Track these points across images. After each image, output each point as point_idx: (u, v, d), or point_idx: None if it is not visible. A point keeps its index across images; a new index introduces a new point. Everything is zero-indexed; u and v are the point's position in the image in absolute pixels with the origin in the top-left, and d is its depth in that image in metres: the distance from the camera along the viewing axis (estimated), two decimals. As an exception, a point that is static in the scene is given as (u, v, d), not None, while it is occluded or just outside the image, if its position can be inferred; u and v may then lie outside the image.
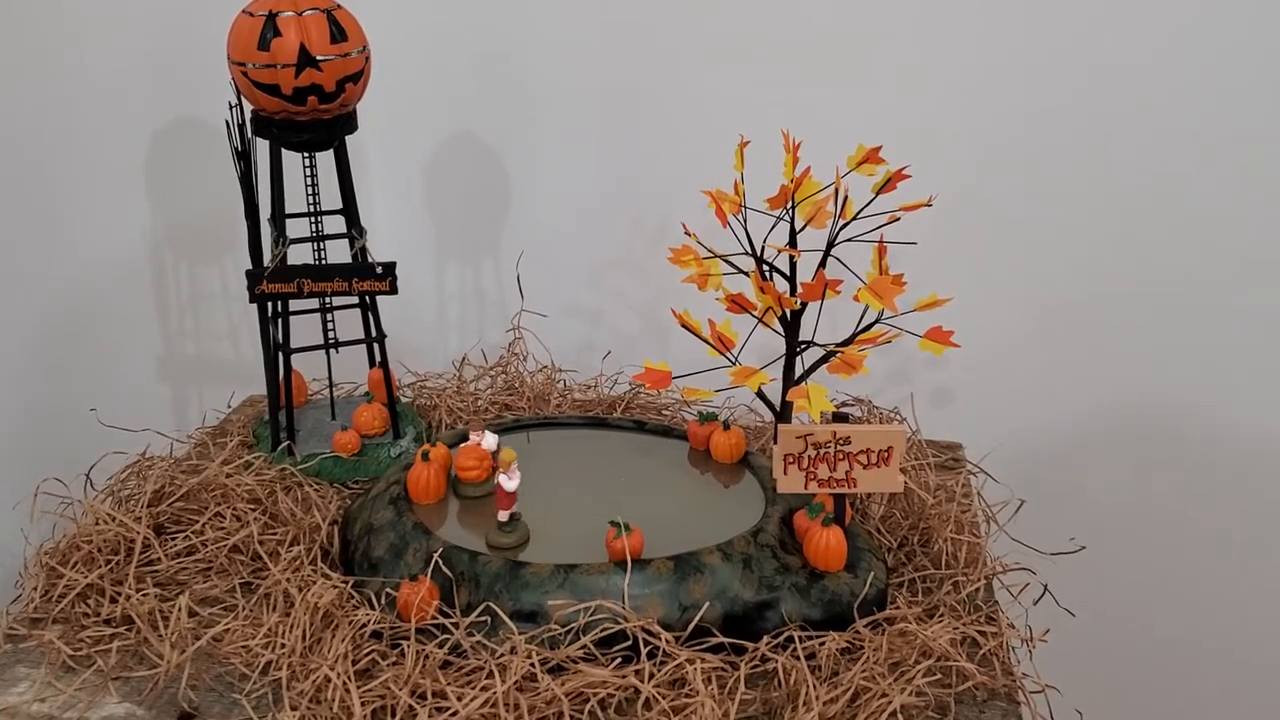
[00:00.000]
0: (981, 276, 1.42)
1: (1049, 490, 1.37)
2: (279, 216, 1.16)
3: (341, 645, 0.90)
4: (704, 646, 0.92)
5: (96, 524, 1.05)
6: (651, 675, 0.88)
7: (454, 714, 0.84)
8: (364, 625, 0.93)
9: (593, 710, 0.87)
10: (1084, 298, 1.41)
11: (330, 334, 1.26)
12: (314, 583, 0.98)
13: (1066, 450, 1.49)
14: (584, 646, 0.90)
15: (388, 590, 0.97)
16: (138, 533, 1.04)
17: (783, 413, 1.09)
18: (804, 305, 1.05)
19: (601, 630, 0.91)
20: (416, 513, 1.04)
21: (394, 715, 0.86)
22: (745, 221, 1.07)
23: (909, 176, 1.04)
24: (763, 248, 1.07)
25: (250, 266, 1.18)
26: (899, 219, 1.03)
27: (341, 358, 1.29)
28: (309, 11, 1.08)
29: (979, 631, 0.97)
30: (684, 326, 1.07)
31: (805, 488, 0.98)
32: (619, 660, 0.91)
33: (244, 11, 1.10)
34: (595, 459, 1.14)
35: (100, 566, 1.02)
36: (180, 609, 0.95)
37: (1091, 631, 1.24)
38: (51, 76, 1.26)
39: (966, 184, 1.36)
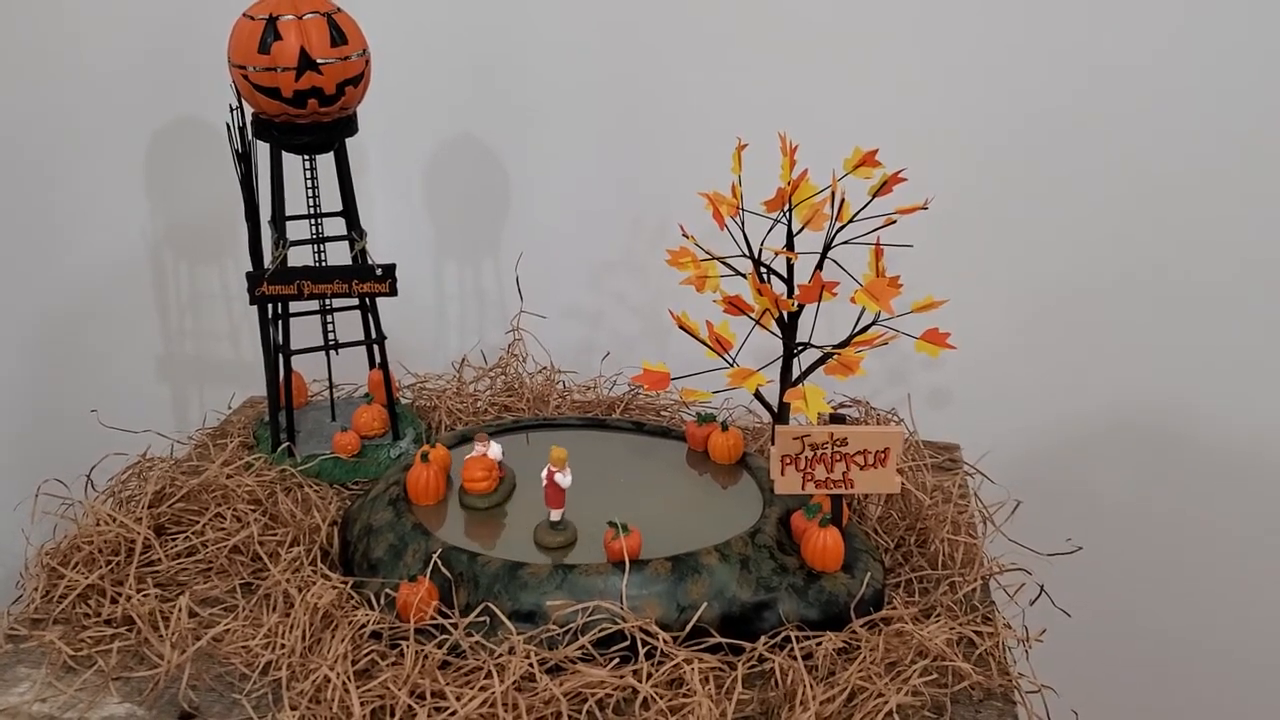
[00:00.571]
0: (979, 278, 1.42)
1: (1046, 491, 1.37)
2: (279, 218, 1.17)
3: (341, 645, 0.91)
4: (702, 646, 0.93)
5: (97, 525, 1.06)
6: (649, 675, 0.89)
7: (453, 714, 0.84)
8: (363, 626, 0.94)
9: (591, 710, 0.87)
10: (1081, 299, 1.42)
11: (330, 335, 1.26)
12: (314, 583, 0.98)
13: (1063, 451, 1.49)
14: (582, 647, 0.91)
15: (387, 591, 0.97)
16: (138, 533, 1.04)
17: (780, 414, 1.09)
18: (801, 307, 1.06)
19: (600, 630, 0.91)
20: (416, 514, 1.05)
21: (393, 715, 0.86)
22: (743, 224, 1.08)
23: (905, 180, 1.04)
24: (760, 250, 1.07)
25: (250, 268, 1.18)
26: (895, 221, 1.04)
27: (341, 359, 1.29)
28: (309, 15, 1.09)
29: (975, 632, 0.97)
30: (682, 328, 1.08)
31: (803, 488, 0.98)
32: (617, 660, 0.91)
33: (244, 15, 1.10)
34: (594, 460, 1.14)
35: (101, 567, 1.03)
36: (181, 609, 0.95)
37: (1088, 632, 1.25)
38: (53, 78, 1.26)
39: (964, 185, 1.37)
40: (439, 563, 0.97)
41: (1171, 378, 1.43)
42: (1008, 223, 1.41)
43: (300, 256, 1.19)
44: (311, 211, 1.21)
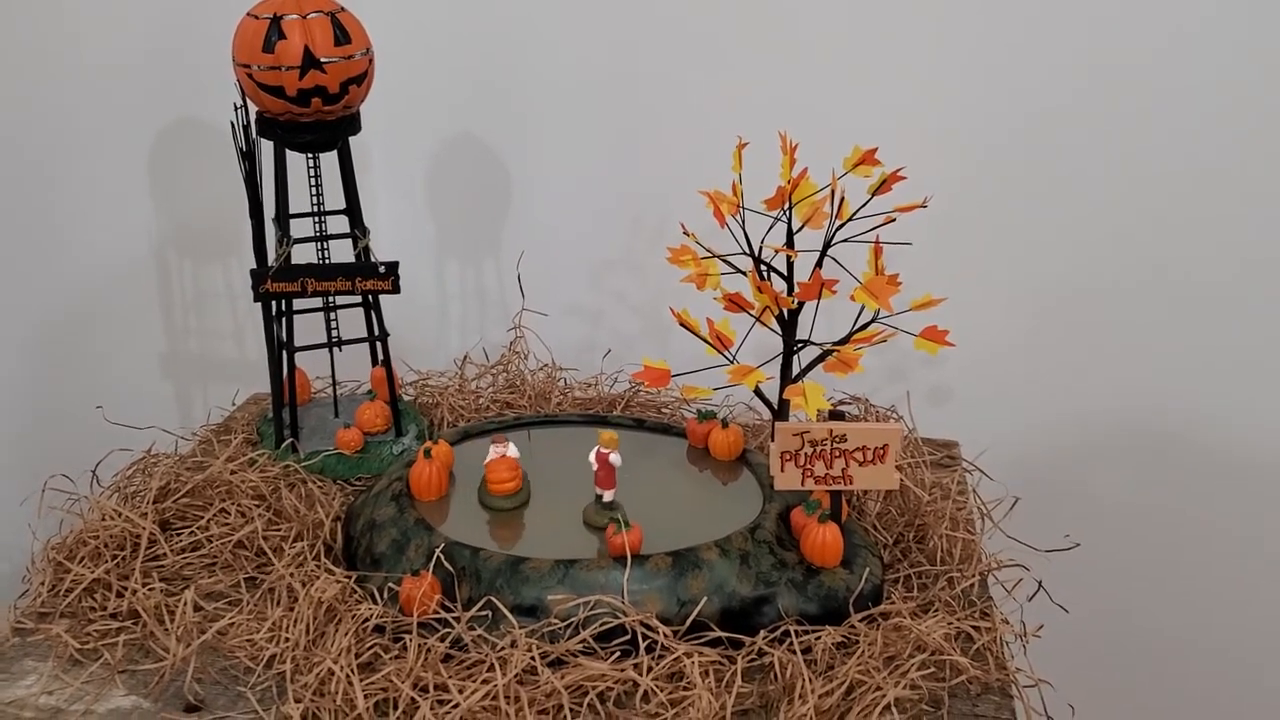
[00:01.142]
0: (979, 277, 1.43)
1: (1044, 488, 1.38)
2: (283, 216, 1.17)
3: (344, 639, 0.91)
4: (702, 641, 0.94)
5: (103, 520, 1.07)
6: (650, 669, 0.90)
7: (455, 706, 0.85)
8: (367, 619, 0.95)
9: (591, 703, 0.88)
10: (1081, 298, 1.42)
11: (333, 333, 1.27)
12: (317, 578, 0.99)
13: (1062, 449, 1.50)
14: (583, 640, 0.92)
15: (390, 585, 0.98)
16: (144, 528, 1.05)
17: (780, 411, 1.10)
18: (801, 305, 1.06)
19: (601, 624, 0.92)
20: (418, 509, 1.06)
21: (396, 708, 0.87)
22: (743, 222, 1.08)
23: (904, 178, 1.05)
24: (760, 248, 1.08)
25: (254, 266, 1.19)
26: (894, 220, 1.05)
27: (344, 356, 1.30)
28: (313, 14, 1.09)
29: (973, 627, 0.98)
30: (682, 325, 1.09)
31: (802, 484, 0.99)
32: (618, 654, 0.92)
33: (249, 14, 1.11)
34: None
35: (107, 562, 1.04)
36: (185, 603, 0.96)
37: (1086, 628, 1.25)
38: (56, 78, 1.27)
39: (964, 184, 1.37)
40: (441, 557, 0.97)
41: (1170, 377, 1.43)
42: (1008, 222, 1.41)
43: (304, 254, 1.20)
44: (315, 209, 1.21)
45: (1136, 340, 1.43)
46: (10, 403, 1.26)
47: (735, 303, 1.07)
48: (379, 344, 1.27)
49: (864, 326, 1.06)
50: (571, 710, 0.87)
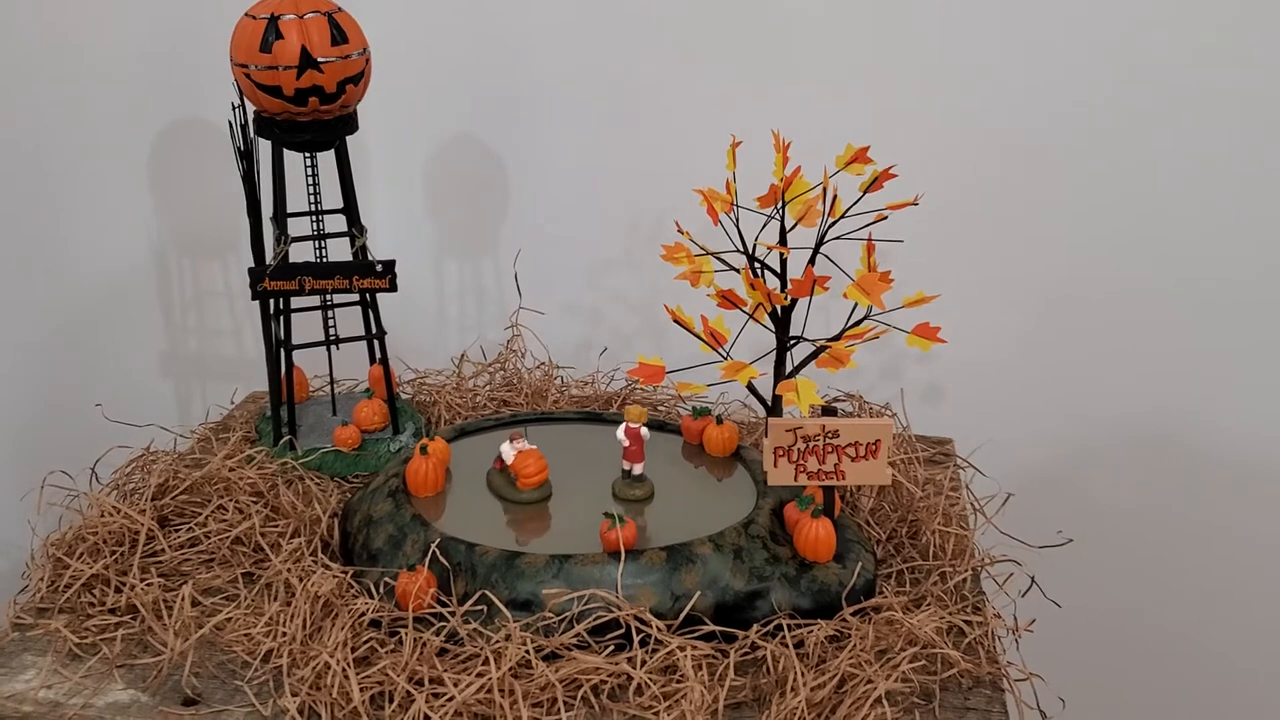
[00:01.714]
0: (974, 274, 1.43)
1: (1038, 484, 1.39)
2: (281, 215, 1.18)
3: (341, 633, 0.92)
4: (695, 634, 0.94)
5: (102, 516, 1.07)
6: (643, 662, 0.90)
7: (450, 699, 0.86)
8: (363, 614, 0.95)
9: (585, 696, 0.89)
10: (1076, 298, 1.43)
11: (331, 331, 1.28)
12: (314, 573, 1.00)
13: (1056, 445, 1.50)
14: (578, 634, 0.92)
15: (386, 580, 0.99)
16: (142, 524, 1.06)
17: (773, 407, 1.11)
18: (794, 301, 1.07)
19: (595, 619, 0.93)
20: (415, 505, 1.06)
21: (392, 701, 0.88)
22: (737, 220, 1.09)
23: (896, 175, 1.05)
24: (754, 245, 1.09)
25: (252, 264, 1.20)
26: (886, 217, 1.05)
27: (342, 354, 1.31)
28: (310, 14, 1.10)
29: (965, 621, 0.98)
30: (676, 322, 1.09)
31: (795, 480, 1.00)
32: (612, 648, 0.93)
33: (246, 14, 1.12)
34: (591, 453, 1.16)
35: (105, 557, 1.04)
36: (183, 598, 0.97)
37: (1078, 623, 1.26)
38: (56, 78, 1.28)
39: (961, 183, 1.38)
40: (437, 552, 0.98)
41: (1164, 375, 1.44)
42: (1003, 219, 1.42)
43: (301, 253, 1.20)
44: (312, 208, 1.22)
45: (1131, 338, 1.43)
46: (10, 399, 1.27)
47: (729, 299, 1.08)
48: (376, 342, 1.27)
49: (857, 323, 1.06)
50: (565, 703, 0.88)
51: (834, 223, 1.06)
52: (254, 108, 1.15)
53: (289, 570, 1.01)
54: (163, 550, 1.07)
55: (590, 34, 1.45)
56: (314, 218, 1.22)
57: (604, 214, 1.52)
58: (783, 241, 1.08)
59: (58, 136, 1.29)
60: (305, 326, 1.26)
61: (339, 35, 1.11)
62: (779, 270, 1.09)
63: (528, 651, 0.90)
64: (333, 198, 1.21)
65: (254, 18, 1.11)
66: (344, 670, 0.89)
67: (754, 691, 0.91)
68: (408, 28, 1.47)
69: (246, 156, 1.18)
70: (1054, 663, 0.99)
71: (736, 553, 0.98)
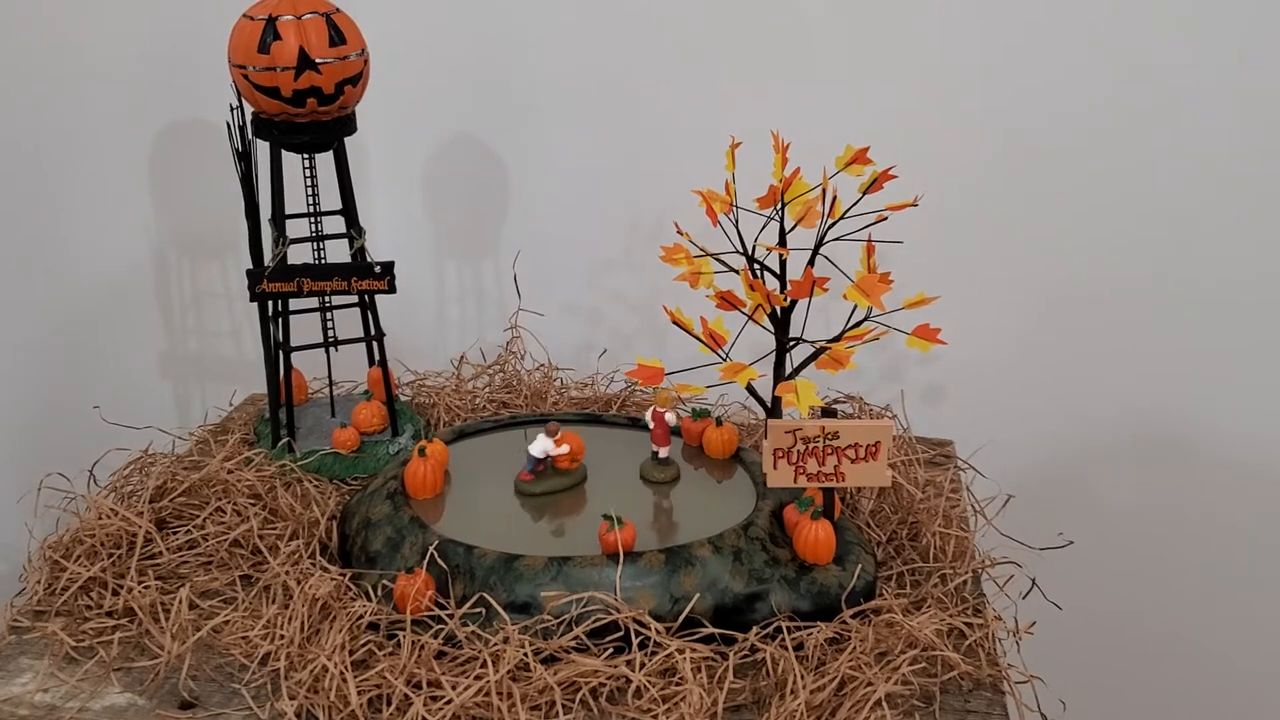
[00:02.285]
0: (975, 275, 1.43)
1: (1039, 486, 1.38)
2: (279, 217, 1.18)
3: (339, 636, 0.92)
4: (695, 637, 0.94)
5: (99, 518, 1.07)
6: (642, 665, 0.90)
7: (448, 703, 0.86)
8: (361, 617, 0.95)
9: (584, 699, 0.89)
10: (1077, 298, 1.43)
11: (330, 333, 1.28)
12: (312, 575, 0.99)
13: (1057, 447, 1.50)
14: (576, 637, 0.92)
15: (384, 582, 0.99)
16: (140, 527, 1.06)
17: (773, 408, 1.11)
18: (793, 303, 1.07)
19: (594, 621, 0.93)
20: (413, 507, 1.06)
21: (390, 704, 0.87)
22: (736, 221, 1.09)
23: (895, 176, 1.05)
24: (753, 246, 1.08)
25: (251, 266, 1.20)
26: (886, 218, 1.05)
27: (341, 356, 1.31)
28: (308, 15, 1.10)
29: (965, 623, 0.98)
30: (675, 323, 1.09)
31: (795, 482, 1.00)
32: (610, 650, 0.92)
33: (244, 15, 1.11)
34: (590, 454, 1.15)
35: (103, 560, 1.04)
36: (181, 601, 0.97)
37: (1079, 625, 1.26)
38: (55, 79, 1.28)
39: (962, 185, 1.38)
40: (435, 555, 0.98)
41: (1165, 376, 1.44)
42: (1003, 221, 1.42)
43: (300, 254, 1.20)
44: (311, 210, 1.22)
45: (1131, 339, 1.43)
46: (8, 401, 1.26)
47: (728, 301, 1.08)
48: (375, 344, 1.27)
49: (856, 325, 1.06)
50: (564, 706, 0.87)
51: (833, 224, 1.06)
52: (252, 109, 1.15)
53: (287, 573, 1.01)
54: (160, 553, 1.06)
55: (590, 35, 1.45)
56: (312, 219, 1.22)
57: (603, 215, 1.51)
58: (782, 243, 1.07)
59: (57, 137, 1.29)
60: (304, 328, 1.25)
61: (337, 36, 1.11)
62: (778, 271, 1.09)
63: (526, 654, 0.89)
64: (331, 199, 1.21)
65: (252, 19, 1.10)
66: (342, 673, 0.88)
67: (753, 694, 0.91)
68: (406, 28, 1.47)
69: (245, 158, 1.18)
70: (1055, 665, 0.99)
71: (736, 555, 0.98)
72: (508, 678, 0.88)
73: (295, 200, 1.19)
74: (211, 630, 0.96)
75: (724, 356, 1.07)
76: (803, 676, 0.88)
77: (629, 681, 0.89)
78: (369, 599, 0.98)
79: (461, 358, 1.44)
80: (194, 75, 1.32)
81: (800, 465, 0.99)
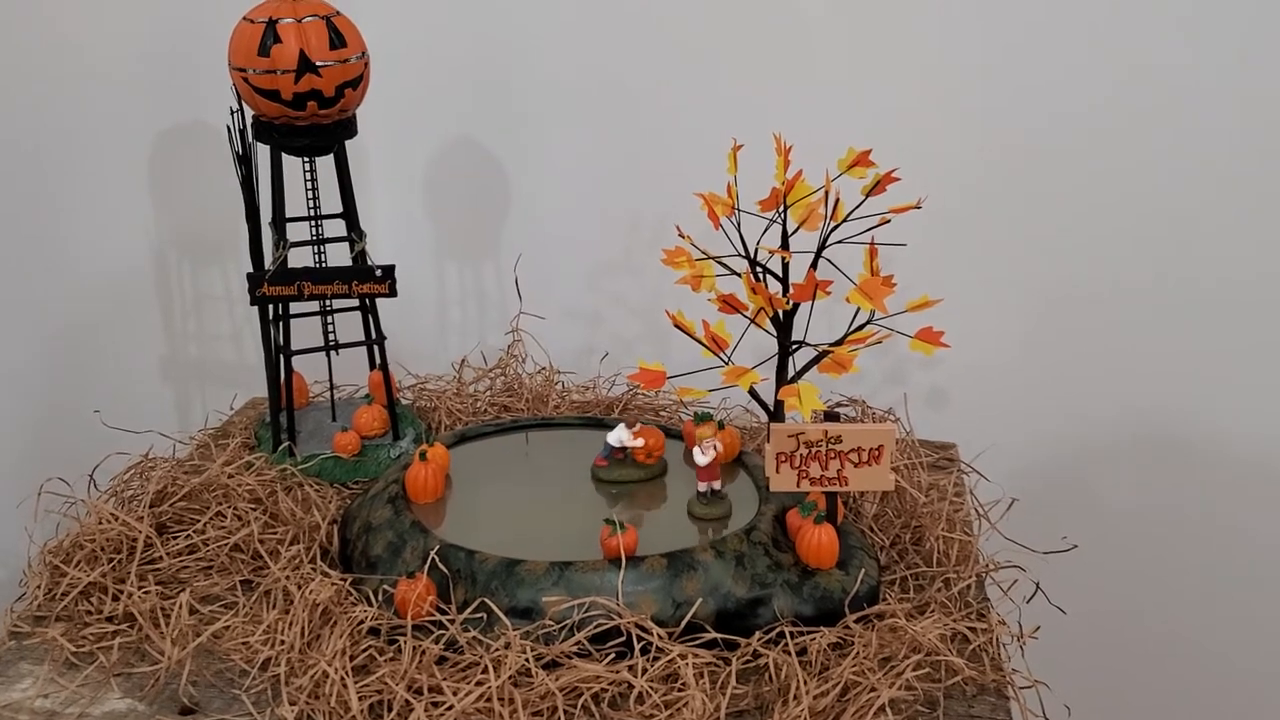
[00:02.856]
0: (978, 278, 1.43)
1: (1043, 490, 1.38)
2: (279, 220, 1.18)
3: (340, 641, 0.91)
4: (697, 642, 0.94)
5: (99, 523, 1.07)
6: (644, 670, 0.90)
7: (449, 708, 0.85)
8: (362, 622, 0.95)
9: (586, 704, 0.88)
10: (1080, 301, 1.42)
11: (331, 336, 1.27)
12: (313, 580, 0.99)
13: (1061, 451, 1.50)
14: (578, 642, 0.92)
15: (385, 587, 0.98)
16: (140, 532, 1.05)
17: (775, 412, 1.10)
18: (796, 306, 1.06)
19: (595, 626, 0.92)
20: (414, 511, 1.06)
21: (391, 710, 0.87)
22: (739, 224, 1.08)
23: (898, 179, 1.05)
24: (755, 249, 1.08)
25: (251, 269, 1.19)
26: (889, 221, 1.04)
27: (342, 360, 1.30)
28: (309, 18, 1.10)
29: (969, 628, 0.98)
30: (677, 327, 1.09)
31: (798, 486, 0.99)
32: (612, 656, 0.92)
33: (245, 18, 1.11)
34: (592, 459, 1.15)
35: (103, 565, 1.04)
36: (181, 606, 0.96)
37: (1084, 629, 1.25)
38: (55, 82, 1.27)
39: (964, 187, 1.38)
40: (436, 559, 0.97)
41: (1169, 379, 1.43)
42: (1007, 223, 1.41)
43: (300, 258, 1.20)
44: (311, 213, 1.22)
45: (1135, 342, 1.42)
46: (8, 405, 1.26)
47: (730, 304, 1.07)
48: (376, 347, 1.27)
49: (859, 328, 1.06)
50: (565, 712, 0.87)
51: (836, 227, 1.06)
52: (252, 112, 1.15)
53: (288, 578, 1.01)
54: (161, 558, 1.06)
55: (590, 36, 1.44)
56: (313, 223, 1.22)
57: (604, 218, 1.51)
58: (784, 246, 1.07)
59: (57, 139, 1.29)
60: (305, 331, 1.25)
61: (337, 39, 1.11)
62: (781, 275, 1.08)
63: (528, 660, 0.89)
64: (332, 202, 1.21)
65: (252, 21, 1.10)
66: (342, 679, 0.88)
67: (756, 700, 0.91)
68: (407, 31, 1.47)
69: (245, 161, 1.18)
70: (1059, 669, 0.98)
71: (738, 559, 0.98)
72: (509, 683, 0.87)
73: (296, 203, 1.19)
74: (212, 635, 0.96)
75: (726, 360, 1.07)
76: (806, 682, 0.88)
77: (631, 687, 0.89)
78: (370, 604, 0.97)
79: (463, 361, 1.43)
80: (194, 78, 1.32)
81: (803, 469, 0.98)
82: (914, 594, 1.03)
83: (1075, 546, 1.15)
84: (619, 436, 1.11)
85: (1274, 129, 1.31)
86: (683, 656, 0.90)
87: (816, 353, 1.06)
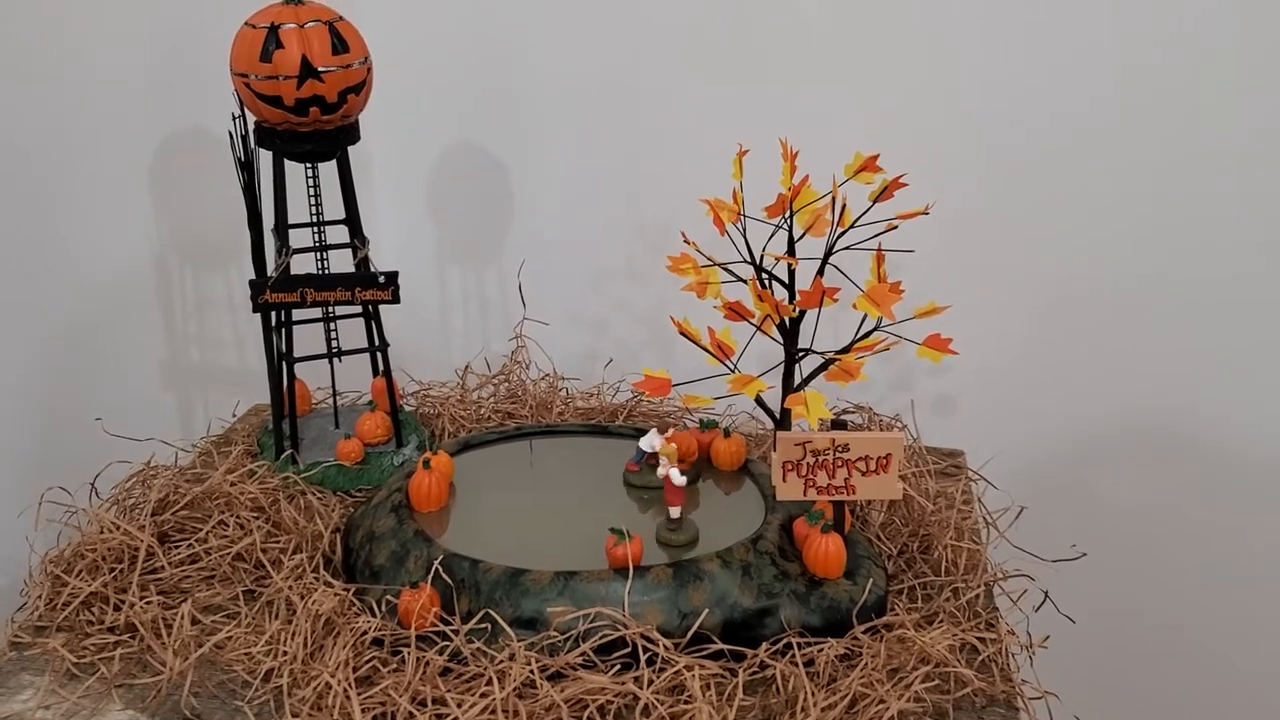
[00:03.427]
0: (985, 284, 1.42)
1: (1051, 497, 1.37)
2: (282, 226, 1.17)
3: (343, 652, 0.91)
4: (703, 653, 0.93)
5: (101, 532, 1.06)
6: (650, 682, 0.89)
7: (453, 720, 0.85)
8: (365, 632, 0.94)
9: (591, 716, 0.87)
10: (1087, 305, 1.42)
11: (333, 343, 1.27)
12: (316, 590, 0.98)
13: (1069, 457, 1.49)
14: (583, 653, 0.91)
15: (389, 597, 0.98)
16: (141, 541, 1.05)
17: (782, 420, 1.09)
18: (802, 313, 1.06)
19: (601, 637, 0.91)
20: (418, 520, 1.05)
21: (394, 722, 0.86)
22: (744, 230, 1.08)
23: (905, 185, 1.04)
24: (761, 256, 1.07)
25: (254, 276, 1.19)
26: (897, 227, 1.04)
27: (345, 367, 1.30)
28: (311, 23, 1.09)
29: (978, 638, 0.97)
30: (683, 334, 1.08)
31: (804, 495, 0.98)
32: (618, 667, 0.91)
33: (246, 23, 1.11)
34: (597, 466, 1.14)
35: (104, 574, 1.03)
36: (183, 617, 0.96)
37: (1093, 638, 1.24)
38: (57, 88, 1.27)
39: (970, 192, 1.37)
40: (440, 569, 0.97)
41: (1177, 384, 1.42)
42: (1014, 229, 1.40)
43: (303, 264, 1.19)
44: (314, 219, 1.21)
45: (1145, 348, 1.42)
46: (9, 412, 1.26)
47: (736, 311, 1.07)
48: (379, 354, 1.26)
49: (866, 335, 1.05)
50: (571, 724, 0.86)
51: (843, 233, 1.05)
52: (254, 118, 1.14)
53: (290, 588, 1.00)
54: (162, 567, 1.05)
55: (594, 42, 1.44)
56: (315, 229, 1.21)
57: (609, 223, 1.50)
58: (791, 252, 1.06)
59: (59, 147, 1.28)
60: (307, 338, 1.24)
61: (340, 44, 1.10)
62: (787, 281, 1.08)
63: (532, 671, 0.88)
64: (335, 208, 1.20)
65: (254, 27, 1.09)
66: (345, 690, 0.87)
67: (763, 712, 0.90)
68: (410, 36, 1.46)
69: (247, 168, 1.17)
70: (1070, 680, 0.97)
71: (745, 569, 0.97)
72: (514, 695, 0.86)
73: (298, 209, 1.18)
74: (214, 646, 0.95)
75: (732, 368, 1.06)
76: (813, 694, 0.87)
77: (637, 699, 0.88)
78: (373, 614, 0.97)
79: (466, 367, 1.43)
80: (196, 83, 1.31)
81: (810, 478, 0.97)
82: (922, 604, 1.03)
83: (1084, 555, 1.14)
84: (652, 442, 1.10)
85: (1274, 129, 1.30)
86: (689, 668, 0.89)
87: (823, 360, 1.05)
